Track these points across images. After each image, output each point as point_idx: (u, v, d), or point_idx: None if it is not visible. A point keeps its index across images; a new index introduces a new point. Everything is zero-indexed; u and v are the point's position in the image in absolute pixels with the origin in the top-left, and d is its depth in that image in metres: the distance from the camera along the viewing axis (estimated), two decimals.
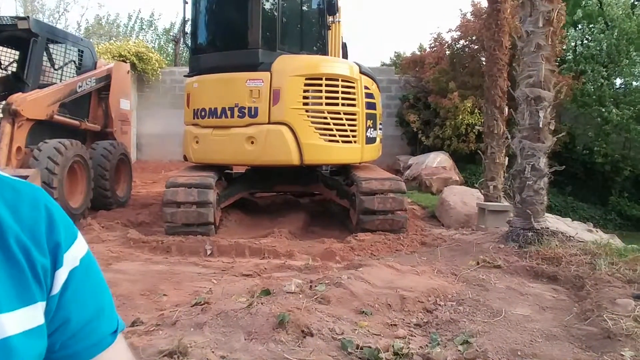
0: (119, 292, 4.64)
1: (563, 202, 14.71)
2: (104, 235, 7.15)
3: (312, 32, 8.96)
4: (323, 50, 8.67)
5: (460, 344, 3.24)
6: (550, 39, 6.07)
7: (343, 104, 7.81)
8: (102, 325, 0.90)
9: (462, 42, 15.95)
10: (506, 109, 8.12)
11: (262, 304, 3.49)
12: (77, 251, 0.87)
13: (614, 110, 14.62)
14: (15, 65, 8.87)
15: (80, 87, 8.93)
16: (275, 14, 8.03)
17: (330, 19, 8.88)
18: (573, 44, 17.17)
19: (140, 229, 7.71)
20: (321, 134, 7.63)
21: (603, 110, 14.85)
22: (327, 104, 7.70)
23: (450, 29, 16.06)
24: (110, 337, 0.91)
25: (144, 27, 28.47)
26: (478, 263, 5.26)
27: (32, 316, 0.78)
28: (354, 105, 7.92)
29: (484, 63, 10.95)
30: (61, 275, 0.84)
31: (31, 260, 0.79)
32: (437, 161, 13.82)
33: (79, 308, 0.86)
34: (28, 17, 8.60)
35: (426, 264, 5.33)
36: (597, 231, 8.77)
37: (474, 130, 14.12)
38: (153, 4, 48.66)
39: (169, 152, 16.13)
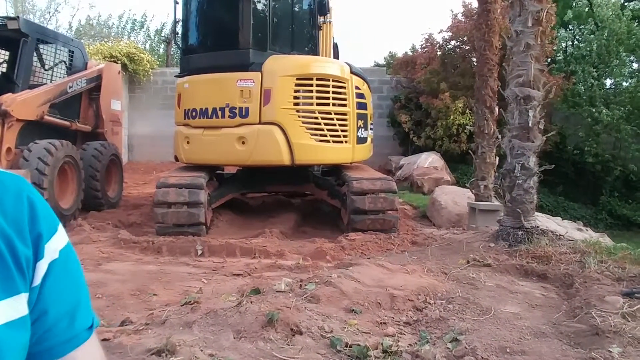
0: (108, 292, 4.64)
1: (554, 202, 14.77)
2: (95, 235, 7.11)
3: (303, 32, 8.96)
4: (314, 51, 8.68)
5: (450, 342, 3.25)
6: (539, 39, 6.10)
7: (334, 104, 7.82)
8: (78, 321, 0.89)
9: (453, 42, 15.97)
10: (497, 109, 8.15)
11: (251, 302, 3.49)
12: (57, 243, 0.87)
13: (604, 111, 14.69)
14: (5, 65, 8.82)
15: (70, 87, 8.89)
16: (266, 14, 8.03)
17: (321, 19, 8.88)
18: (563, 44, 17.24)
19: (131, 229, 7.69)
20: (312, 134, 7.63)
21: (593, 110, 14.92)
22: (318, 104, 7.71)
23: (442, 30, 16.09)
24: (86, 332, 0.90)
25: (135, 27, 28.39)
26: (468, 262, 5.28)
27: (15, 307, 0.78)
28: (344, 105, 7.93)
29: (475, 63, 10.99)
30: (42, 267, 0.83)
31: (14, 251, 0.79)
32: (429, 161, 13.84)
33: (56, 301, 0.85)
34: (18, 17, 8.55)
35: (416, 263, 5.34)
36: (587, 230, 8.81)
37: (465, 131, 14.15)
38: (144, 5, 48.51)
39: (160, 153, 16.06)
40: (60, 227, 0.90)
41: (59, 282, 0.86)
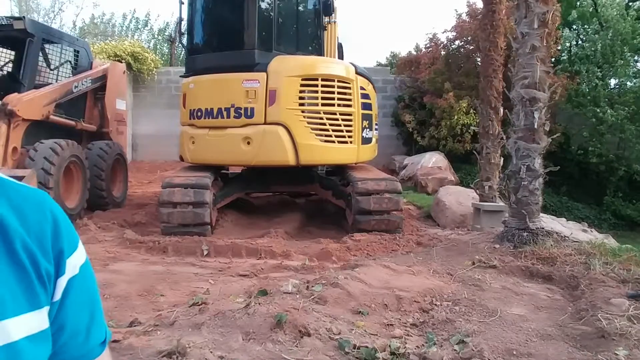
0: (116, 292, 4.66)
1: (558, 202, 14.76)
2: (101, 235, 7.15)
3: (308, 32, 8.98)
4: (319, 51, 8.70)
5: (456, 344, 3.27)
6: (545, 41, 6.11)
7: (339, 105, 7.83)
8: (93, 336, 0.90)
9: (457, 42, 15.96)
10: (501, 110, 8.15)
11: (259, 304, 3.51)
12: (77, 259, 0.88)
13: (608, 111, 14.66)
14: (10, 65, 8.85)
15: (76, 87, 8.91)
16: (272, 14, 8.04)
17: (326, 19, 8.90)
18: (568, 44, 17.21)
19: (136, 229, 7.71)
20: (317, 135, 7.65)
21: (598, 110, 14.90)
22: (323, 105, 7.72)
23: (446, 30, 16.10)
24: (100, 347, 0.92)
25: (139, 27, 28.46)
26: (474, 263, 5.29)
27: (38, 320, 0.79)
28: (349, 105, 7.95)
29: (479, 64, 10.98)
30: (62, 283, 0.84)
31: (37, 265, 0.80)
32: (433, 161, 13.84)
33: (74, 317, 0.86)
34: (24, 17, 8.57)
35: (422, 264, 5.36)
36: (591, 231, 8.80)
37: (469, 131, 14.13)
38: (148, 4, 48.52)
39: (165, 152, 16.09)
40: (80, 244, 0.91)
41: (78, 298, 0.87)
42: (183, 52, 17.08)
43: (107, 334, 0.95)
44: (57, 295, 0.84)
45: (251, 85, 7.55)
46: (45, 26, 9.99)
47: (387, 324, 3.66)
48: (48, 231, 0.84)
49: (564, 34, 16.33)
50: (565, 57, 16.82)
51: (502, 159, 8.26)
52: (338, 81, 7.85)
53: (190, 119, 8.14)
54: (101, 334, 0.93)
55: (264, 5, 8.04)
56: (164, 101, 17.13)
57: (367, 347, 3.06)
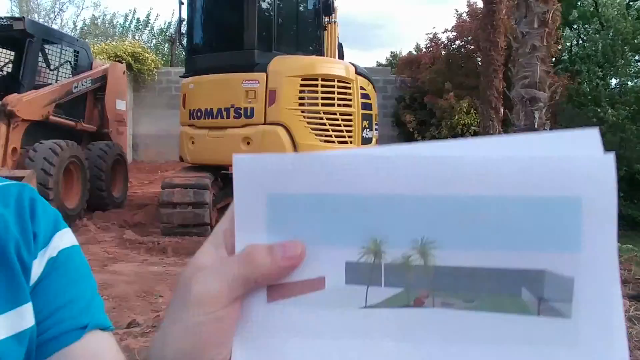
0: (115, 293, 4.65)
1: None
2: (100, 236, 7.15)
3: (308, 32, 8.96)
4: (319, 51, 8.68)
5: None
6: (545, 40, 6.09)
7: (339, 105, 7.81)
8: (69, 318, 0.80)
9: (458, 42, 15.97)
10: (502, 109, 8.15)
11: None
12: (56, 242, 0.82)
13: (609, 111, 14.62)
14: (10, 66, 8.84)
15: (75, 87, 8.92)
16: (271, 14, 8.03)
17: (326, 19, 8.89)
18: (568, 44, 17.20)
19: (136, 229, 7.70)
20: (317, 135, 7.64)
21: (599, 110, 14.86)
22: (323, 105, 7.71)
23: (446, 29, 16.10)
24: (78, 331, 0.80)
25: (139, 27, 28.46)
26: None
27: (23, 317, 0.75)
28: (349, 105, 7.93)
29: (480, 63, 10.98)
30: (37, 267, 0.79)
31: (22, 259, 0.76)
32: None
33: (48, 299, 0.79)
34: (24, 17, 8.58)
35: None
36: None
37: (470, 131, 14.13)
38: (149, 4, 48.61)
39: (165, 153, 16.09)
40: (65, 230, 0.85)
41: (53, 282, 0.80)
42: (183, 52, 17.09)
43: (99, 321, 0.83)
44: (32, 280, 0.78)
45: (251, 85, 7.54)
46: (45, 27, 10.00)
47: None
48: (27, 218, 0.82)
49: (564, 33, 16.31)
50: (565, 57, 16.80)
51: None
52: (338, 81, 7.83)
53: (190, 119, 8.13)
54: (83, 318, 0.81)
55: (264, 5, 8.04)
56: (164, 101, 17.12)
57: None
